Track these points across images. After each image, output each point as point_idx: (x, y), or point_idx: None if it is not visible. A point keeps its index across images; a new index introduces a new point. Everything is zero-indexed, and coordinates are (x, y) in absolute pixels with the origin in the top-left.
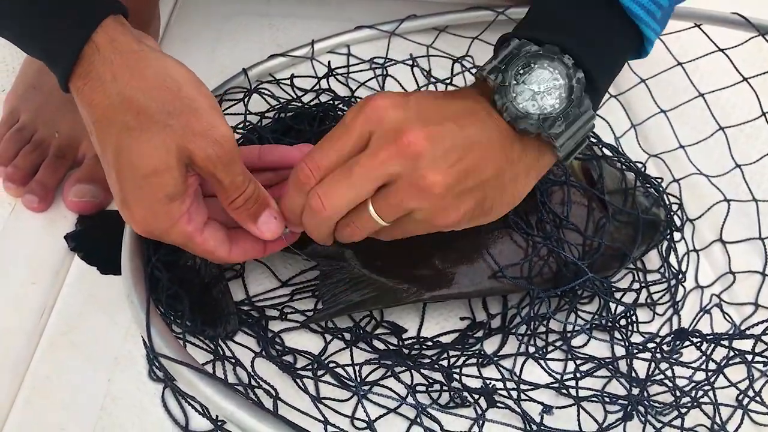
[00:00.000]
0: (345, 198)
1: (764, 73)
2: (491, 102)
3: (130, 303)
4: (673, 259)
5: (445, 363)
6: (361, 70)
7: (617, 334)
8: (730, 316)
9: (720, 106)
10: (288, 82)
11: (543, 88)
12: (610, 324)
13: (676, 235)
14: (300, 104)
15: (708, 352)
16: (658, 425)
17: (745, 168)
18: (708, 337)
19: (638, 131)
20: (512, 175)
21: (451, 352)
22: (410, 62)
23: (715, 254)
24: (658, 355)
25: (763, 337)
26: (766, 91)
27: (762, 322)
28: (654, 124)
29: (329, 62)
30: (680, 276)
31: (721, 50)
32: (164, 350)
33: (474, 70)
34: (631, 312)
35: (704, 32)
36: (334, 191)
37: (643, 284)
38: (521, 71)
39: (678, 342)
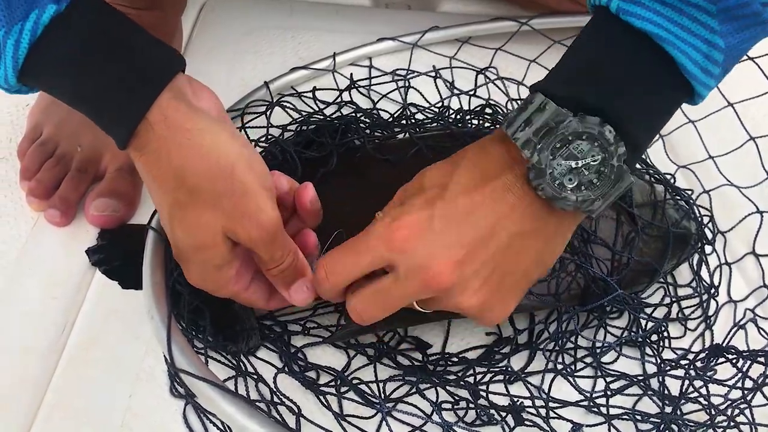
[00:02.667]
0: (379, 314)
1: None
2: (524, 176)
3: (150, 318)
4: (704, 273)
5: (471, 379)
6: (383, 83)
7: (648, 350)
8: (766, 332)
9: (750, 116)
10: (310, 94)
11: (581, 164)
12: (640, 340)
13: (708, 248)
14: (322, 117)
15: (744, 369)
16: None
17: None
18: (744, 354)
19: (666, 142)
20: (550, 250)
21: (477, 369)
22: (433, 74)
23: (748, 267)
24: (692, 372)
25: None
26: None
27: None
28: (682, 134)
29: (351, 74)
30: (712, 290)
31: (751, 59)
32: (185, 366)
33: (498, 82)
34: (663, 327)
35: None
36: (369, 310)
37: (674, 299)
38: (558, 146)
39: (713, 359)
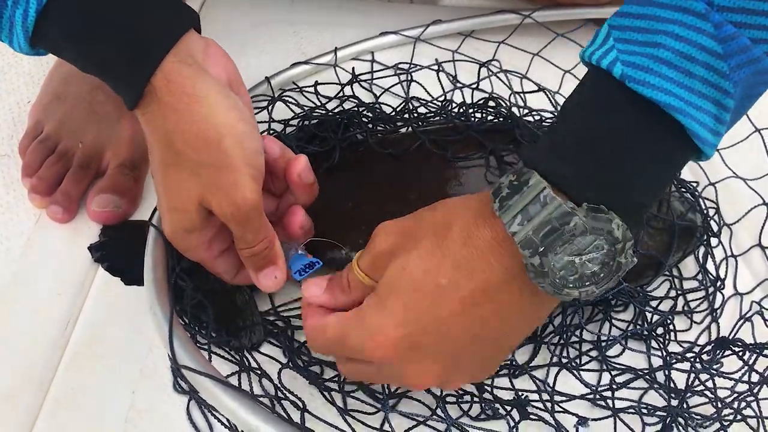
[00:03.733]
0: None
1: None
2: (521, 275)
3: (152, 315)
4: (710, 266)
5: None
6: (385, 76)
7: (654, 344)
8: None
9: (755, 107)
10: (311, 89)
11: (585, 258)
12: (646, 333)
13: (713, 241)
14: (324, 111)
15: (751, 362)
16: None
17: None
18: (751, 346)
19: None
20: (531, 325)
21: None
22: (435, 67)
23: (754, 260)
24: (698, 366)
25: None
26: None
27: None
28: None
29: (353, 69)
30: (718, 283)
31: None
32: (187, 362)
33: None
34: (669, 320)
35: None
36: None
37: (679, 292)
38: (560, 243)
39: (719, 351)
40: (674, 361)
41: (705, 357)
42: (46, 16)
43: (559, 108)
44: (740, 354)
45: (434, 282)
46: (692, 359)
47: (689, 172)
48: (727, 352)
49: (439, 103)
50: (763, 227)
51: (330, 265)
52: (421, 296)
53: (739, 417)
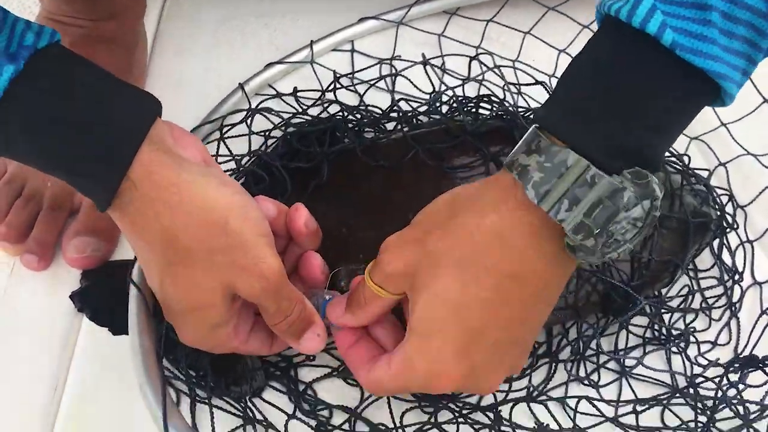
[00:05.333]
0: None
1: None
2: (561, 252)
3: (143, 396)
4: (726, 256)
5: (492, 404)
6: (369, 67)
7: (674, 348)
8: None
9: (762, 73)
10: (291, 94)
11: (625, 224)
12: (664, 338)
13: (729, 232)
14: (305, 119)
15: None
16: None
17: None
18: None
19: None
20: (560, 293)
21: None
22: (422, 62)
23: None
24: (725, 383)
25: None
26: None
27: None
28: None
29: (334, 71)
30: (736, 276)
31: None
32: None
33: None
34: (689, 333)
35: None
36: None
37: (695, 289)
38: (615, 220)
39: (746, 370)
40: (700, 381)
41: (732, 375)
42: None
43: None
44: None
45: (477, 300)
46: (718, 378)
47: (698, 152)
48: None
49: (429, 99)
50: None
51: None
52: (466, 318)
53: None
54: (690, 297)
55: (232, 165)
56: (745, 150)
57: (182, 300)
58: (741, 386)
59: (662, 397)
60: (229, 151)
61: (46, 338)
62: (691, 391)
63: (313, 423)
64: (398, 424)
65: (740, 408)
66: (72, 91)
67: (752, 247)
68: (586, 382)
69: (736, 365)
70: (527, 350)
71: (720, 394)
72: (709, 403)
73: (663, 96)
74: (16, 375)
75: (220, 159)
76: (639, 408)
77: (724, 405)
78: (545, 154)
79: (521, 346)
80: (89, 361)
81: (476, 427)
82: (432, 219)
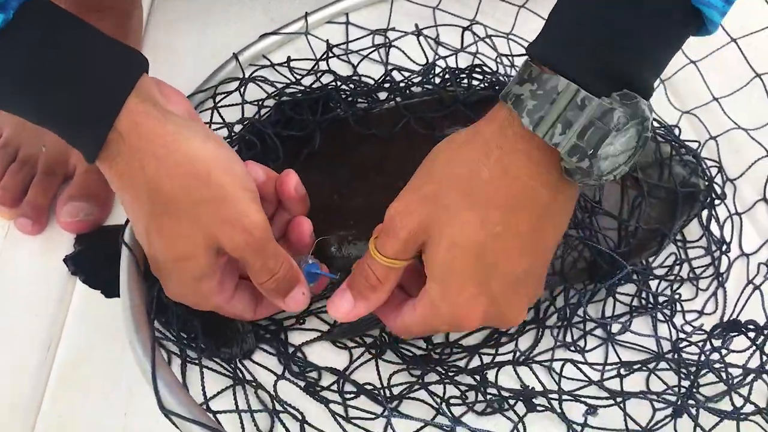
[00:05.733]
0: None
1: None
2: (559, 179)
3: (133, 351)
4: (714, 228)
5: (478, 367)
6: (362, 37)
7: (660, 316)
8: None
9: (753, 50)
10: (285, 64)
11: (618, 145)
12: (651, 306)
13: (718, 204)
14: (298, 89)
15: (760, 344)
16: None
17: None
18: (762, 328)
19: (668, 86)
20: (569, 217)
21: (484, 354)
22: (416, 33)
23: (759, 216)
24: (708, 348)
25: None
26: None
27: None
28: (685, 76)
29: (327, 41)
30: (724, 246)
31: None
32: (175, 405)
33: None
34: (676, 298)
35: None
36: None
37: (684, 260)
38: (606, 140)
39: (729, 334)
40: (683, 345)
41: (715, 340)
42: None
43: None
44: (753, 338)
45: (491, 236)
46: (701, 342)
47: (689, 125)
48: (737, 333)
49: (422, 70)
50: (767, 181)
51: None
52: (483, 257)
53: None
54: (678, 266)
55: (225, 132)
56: (736, 124)
57: (167, 251)
58: (724, 351)
59: (647, 361)
60: (222, 118)
61: (39, 300)
62: (675, 356)
63: (302, 384)
64: (385, 384)
65: (722, 373)
66: (60, 43)
67: (740, 219)
68: (572, 348)
69: (719, 330)
70: (542, 278)
71: (703, 358)
72: (693, 369)
73: (648, 23)
74: (10, 335)
75: (213, 126)
76: (623, 372)
77: (707, 370)
78: (537, 83)
79: (535, 274)
80: (82, 323)
81: (462, 388)
82: (435, 172)
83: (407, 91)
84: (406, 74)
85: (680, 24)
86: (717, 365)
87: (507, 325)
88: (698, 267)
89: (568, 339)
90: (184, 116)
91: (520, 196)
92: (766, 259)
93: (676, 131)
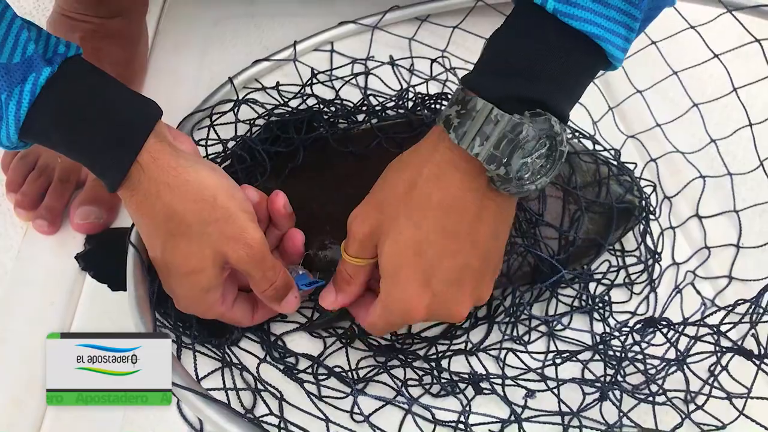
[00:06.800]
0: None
1: (733, 49)
2: (486, 186)
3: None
4: (650, 240)
5: (434, 355)
6: (344, 65)
7: (596, 315)
8: (701, 294)
9: (697, 77)
10: (274, 87)
11: (535, 155)
12: (588, 308)
13: (652, 217)
14: (286, 110)
15: (673, 340)
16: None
17: (720, 142)
18: (673, 325)
19: (616, 112)
20: (509, 225)
21: (440, 345)
22: (390, 63)
23: (691, 230)
24: (630, 341)
25: (722, 326)
26: (740, 65)
27: (726, 308)
28: (633, 103)
29: (312, 69)
30: (656, 255)
31: (693, 27)
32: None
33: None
34: (606, 301)
35: (677, 10)
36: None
37: (620, 267)
38: (517, 150)
39: (647, 329)
40: (609, 338)
41: (636, 335)
42: (36, 106)
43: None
44: (666, 333)
45: (427, 234)
46: (626, 335)
47: (634, 148)
48: (654, 329)
49: (396, 95)
50: (700, 198)
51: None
52: (422, 254)
53: (662, 391)
54: (615, 273)
55: (220, 148)
56: (675, 148)
57: (180, 266)
58: (644, 345)
59: (577, 352)
60: (218, 135)
61: (54, 291)
62: (602, 348)
63: (281, 367)
64: (353, 368)
65: (639, 364)
66: (95, 92)
67: (674, 232)
68: (518, 341)
69: (639, 326)
70: (485, 279)
71: (625, 351)
72: (615, 360)
73: (556, 55)
74: (26, 323)
75: (209, 142)
76: (558, 360)
77: (628, 362)
78: (461, 104)
79: (477, 274)
80: (91, 312)
81: (419, 373)
82: (384, 185)
83: (382, 114)
84: (381, 99)
85: (584, 57)
86: (639, 357)
87: (450, 319)
88: (633, 273)
89: (515, 334)
90: (191, 154)
91: (450, 200)
92: (694, 267)
93: (618, 153)
